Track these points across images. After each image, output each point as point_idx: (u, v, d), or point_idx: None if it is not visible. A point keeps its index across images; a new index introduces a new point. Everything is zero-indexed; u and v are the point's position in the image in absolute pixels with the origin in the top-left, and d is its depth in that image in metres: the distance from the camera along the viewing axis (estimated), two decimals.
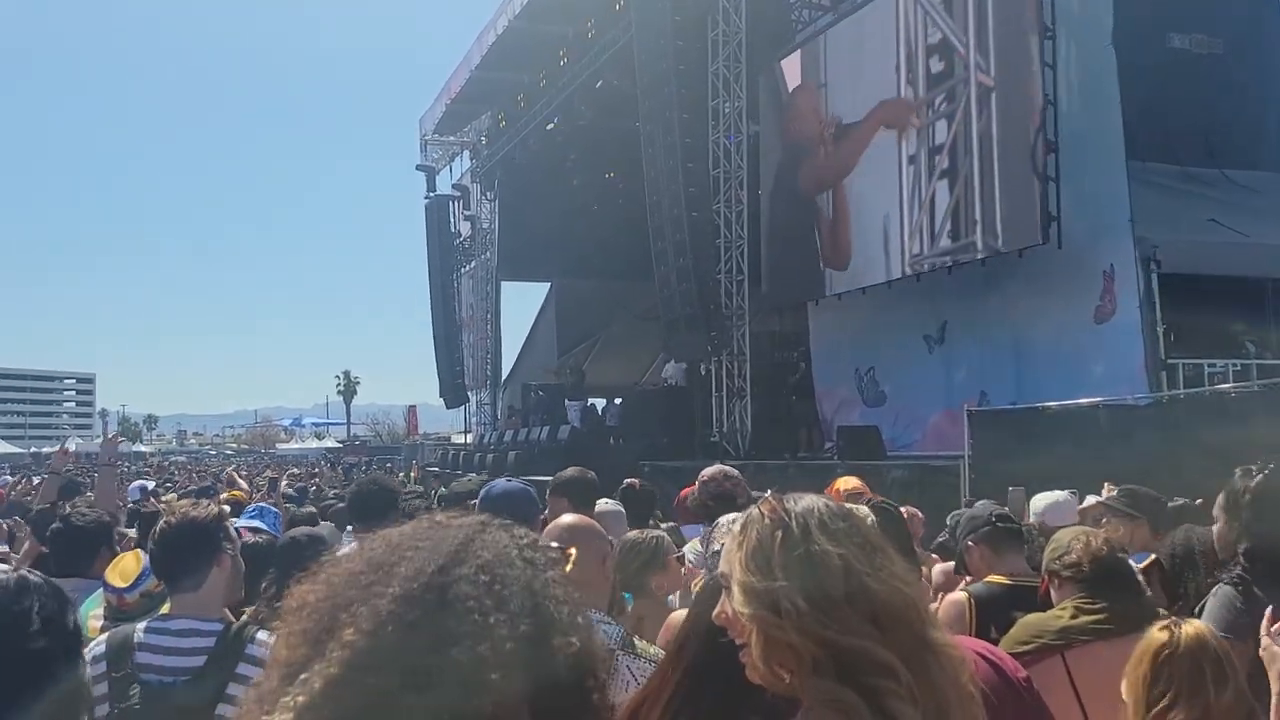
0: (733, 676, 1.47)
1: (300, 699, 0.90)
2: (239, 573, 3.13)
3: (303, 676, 0.92)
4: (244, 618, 3.13)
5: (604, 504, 4.95)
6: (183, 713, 2.67)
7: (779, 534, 1.41)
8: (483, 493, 3.91)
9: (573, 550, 3.50)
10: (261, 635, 2.84)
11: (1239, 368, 11.57)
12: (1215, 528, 3.49)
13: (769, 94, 18.62)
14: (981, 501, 5.13)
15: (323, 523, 6.95)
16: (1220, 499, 3.49)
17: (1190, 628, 2.50)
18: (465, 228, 32.67)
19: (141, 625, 2.91)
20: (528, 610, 0.96)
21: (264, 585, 3.88)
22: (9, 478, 23.78)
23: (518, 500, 3.74)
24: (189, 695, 2.71)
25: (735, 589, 1.42)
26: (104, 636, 2.89)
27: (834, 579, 1.37)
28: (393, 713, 0.89)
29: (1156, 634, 2.49)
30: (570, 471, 4.93)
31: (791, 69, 18.03)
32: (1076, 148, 12.35)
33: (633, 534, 3.93)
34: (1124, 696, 2.48)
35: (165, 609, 3.07)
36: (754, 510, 1.48)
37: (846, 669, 1.33)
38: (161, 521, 3.11)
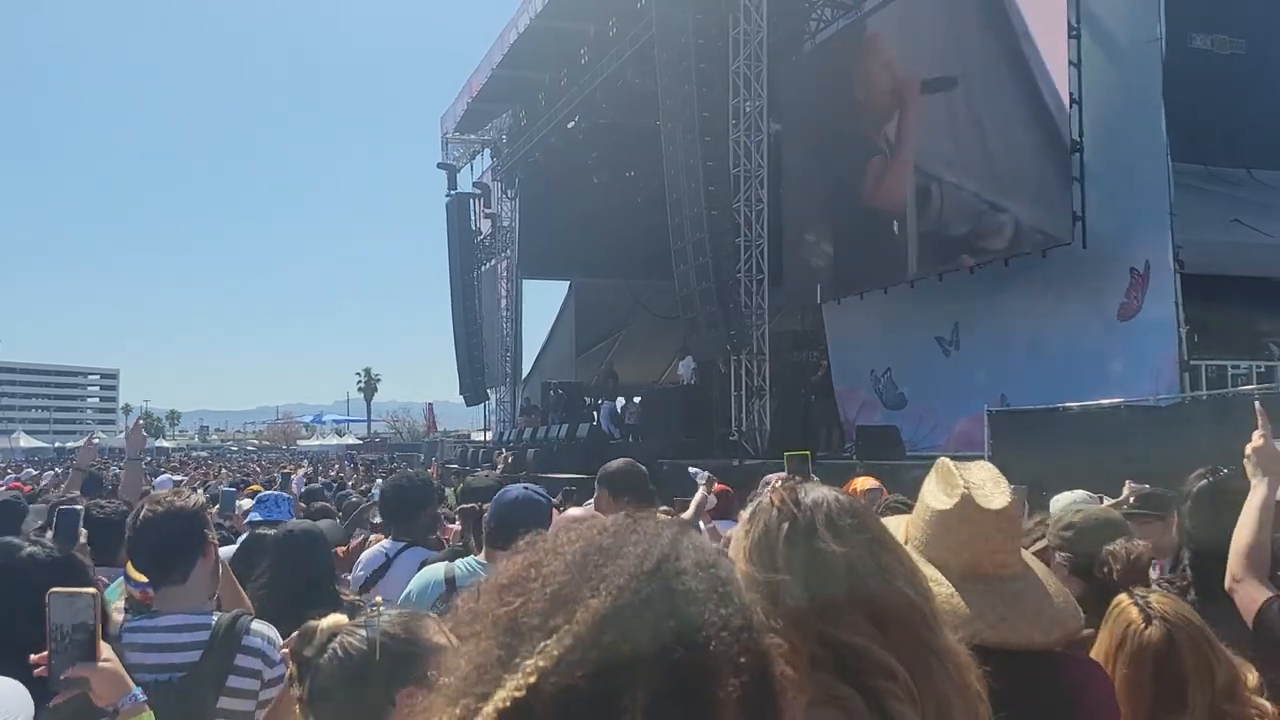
0: None
1: (540, 662, 0.93)
2: (219, 563, 3.03)
3: (544, 644, 0.94)
4: (236, 608, 3.04)
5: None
6: (183, 710, 2.59)
7: (785, 526, 1.41)
8: (495, 498, 3.85)
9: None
10: (256, 625, 2.78)
11: (1263, 369, 11.48)
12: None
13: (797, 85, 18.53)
14: None
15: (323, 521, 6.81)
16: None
17: (1174, 608, 2.30)
18: (486, 226, 32.78)
19: (125, 628, 2.81)
20: (743, 608, 1.01)
21: (256, 574, 3.84)
22: (32, 471, 24.11)
23: (530, 508, 3.64)
24: (188, 691, 2.65)
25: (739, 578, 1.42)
26: None
27: (836, 577, 1.36)
28: (626, 675, 0.93)
29: (1146, 629, 2.25)
30: (617, 463, 4.89)
31: None
32: (1102, 146, 12.26)
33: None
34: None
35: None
36: (764, 500, 1.47)
37: (846, 667, 1.33)
38: (144, 510, 2.96)
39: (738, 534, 1.48)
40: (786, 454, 4.71)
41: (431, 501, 4.96)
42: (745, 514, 1.49)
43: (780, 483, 1.51)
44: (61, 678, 1.97)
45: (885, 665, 1.32)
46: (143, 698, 2.01)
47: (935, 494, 1.77)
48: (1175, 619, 2.26)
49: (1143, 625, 2.25)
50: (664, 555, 1.02)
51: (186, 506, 2.98)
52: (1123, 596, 2.40)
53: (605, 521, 1.10)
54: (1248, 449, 3.06)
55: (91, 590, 2.05)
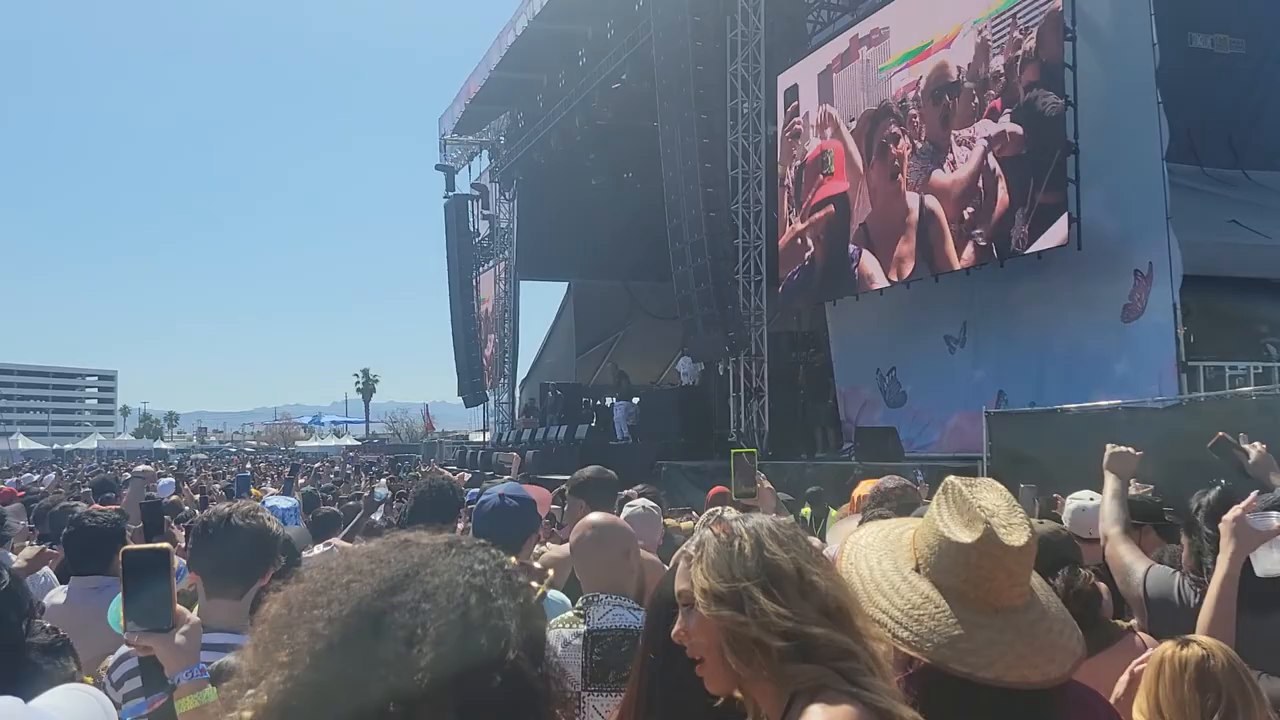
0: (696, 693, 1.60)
1: (245, 713, 0.97)
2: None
3: (250, 692, 0.98)
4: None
5: (638, 504, 4.95)
6: None
7: (735, 544, 1.56)
8: (475, 508, 3.79)
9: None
10: None
11: (1260, 370, 11.47)
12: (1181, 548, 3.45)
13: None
14: None
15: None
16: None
17: (1215, 643, 2.38)
18: (484, 227, 32.81)
19: None
20: (454, 642, 0.96)
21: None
22: (33, 476, 24.10)
23: (507, 519, 3.58)
24: None
25: (699, 597, 1.55)
26: (129, 649, 2.56)
27: (788, 577, 1.53)
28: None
29: (1182, 651, 2.33)
30: (588, 471, 4.90)
31: None
32: (1103, 147, 12.21)
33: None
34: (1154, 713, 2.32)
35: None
36: (706, 531, 1.63)
37: (810, 656, 1.47)
38: (234, 517, 2.90)
39: (687, 567, 1.61)
40: (733, 451, 4.64)
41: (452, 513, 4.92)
42: (690, 546, 1.63)
43: (711, 515, 1.67)
44: (131, 646, 1.96)
45: (845, 647, 1.47)
46: (205, 674, 1.96)
47: (952, 524, 1.71)
48: (1208, 644, 2.34)
49: (1177, 648, 2.34)
50: (381, 590, 0.99)
51: (273, 529, 2.98)
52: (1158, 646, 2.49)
53: (361, 549, 1.08)
54: (1105, 458, 3.71)
55: (164, 545, 1.97)
